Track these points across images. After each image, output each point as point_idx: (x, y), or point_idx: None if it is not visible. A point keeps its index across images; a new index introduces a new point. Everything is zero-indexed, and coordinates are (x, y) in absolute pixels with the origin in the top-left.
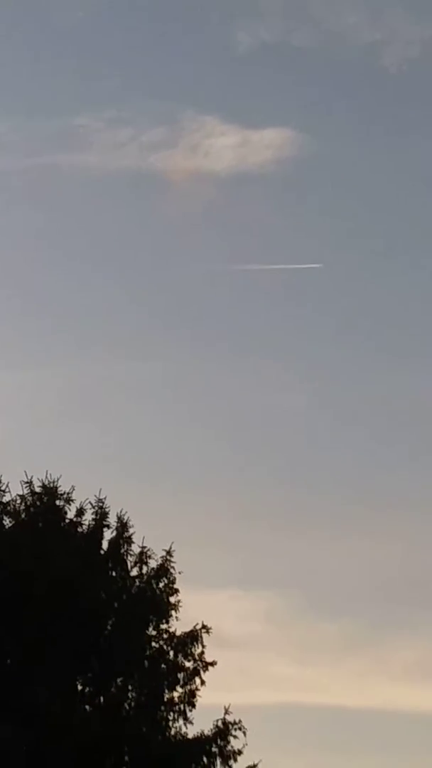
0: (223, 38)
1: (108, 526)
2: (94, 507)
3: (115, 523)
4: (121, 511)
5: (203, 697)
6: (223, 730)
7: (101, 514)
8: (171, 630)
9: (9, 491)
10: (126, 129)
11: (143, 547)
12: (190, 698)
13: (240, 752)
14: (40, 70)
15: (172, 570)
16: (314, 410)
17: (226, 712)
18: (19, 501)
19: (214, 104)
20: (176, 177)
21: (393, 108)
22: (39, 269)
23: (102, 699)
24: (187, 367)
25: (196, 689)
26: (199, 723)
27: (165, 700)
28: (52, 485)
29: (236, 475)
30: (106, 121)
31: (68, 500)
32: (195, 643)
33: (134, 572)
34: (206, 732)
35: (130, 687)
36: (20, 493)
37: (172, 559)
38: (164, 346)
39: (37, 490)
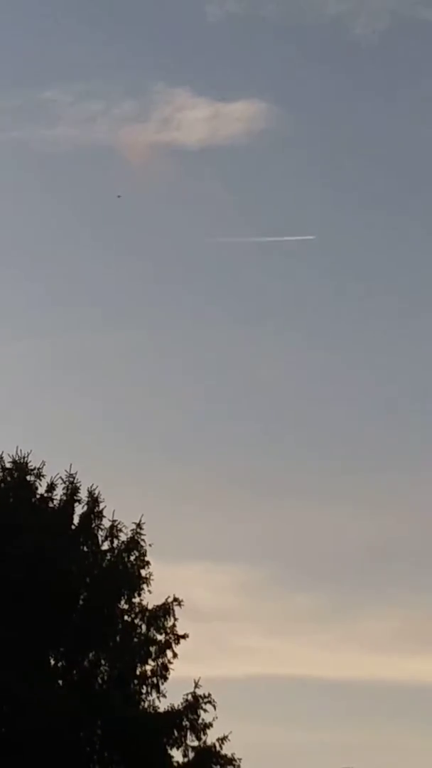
0: (193, 11)
1: (79, 501)
2: (64, 482)
3: (86, 498)
4: (91, 486)
5: (176, 670)
6: (193, 704)
7: (72, 489)
8: (143, 603)
9: None
10: (96, 102)
11: (114, 521)
12: (162, 671)
13: (210, 725)
14: (7, 41)
15: (142, 543)
16: (289, 383)
17: (196, 685)
18: None
19: (185, 77)
20: (148, 150)
21: (364, 78)
22: (6, 246)
23: (74, 673)
24: (159, 339)
25: (169, 662)
26: (172, 696)
27: (137, 673)
28: (22, 461)
29: (208, 448)
30: (75, 94)
31: (39, 475)
32: (167, 616)
33: (105, 546)
34: (177, 705)
35: (102, 661)
36: None
37: (143, 532)
38: (139, 316)
39: (8, 465)
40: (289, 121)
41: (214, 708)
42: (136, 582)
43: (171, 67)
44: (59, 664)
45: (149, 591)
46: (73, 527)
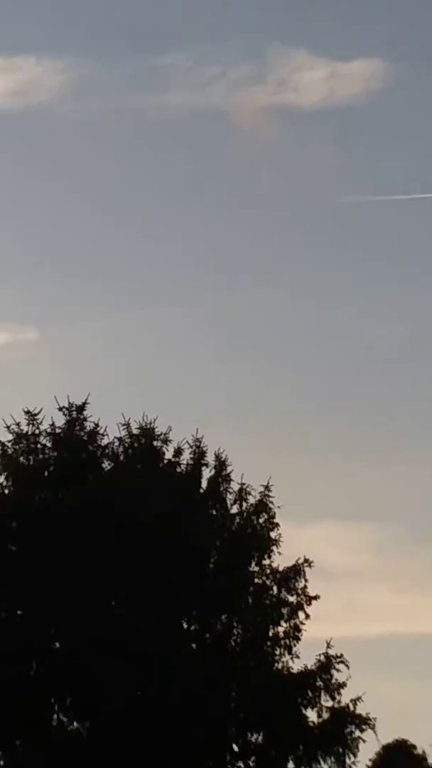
0: None
1: (206, 465)
2: (191, 447)
3: (213, 462)
4: (218, 450)
5: (308, 630)
6: (326, 664)
7: (199, 454)
8: (273, 565)
9: (107, 435)
10: (213, 66)
11: (242, 484)
12: (294, 633)
13: (344, 685)
14: (124, 8)
15: (271, 505)
16: (414, 344)
17: (328, 646)
18: (117, 444)
19: (301, 38)
20: (263, 113)
21: None
22: (125, 212)
23: (207, 637)
24: (281, 303)
25: (301, 623)
26: (305, 657)
27: (270, 635)
28: (149, 427)
29: (335, 407)
30: (192, 59)
31: (166, 441)
32: (297, 578)
33: (234, 509)
34: (310, 666)
35: (235, 624)
36: (118, 435)
37: (271, 495)
38: (260, 280)
39: (135, 432)
40: (408, 80)
41: (347, 668)
42: (265, 544)
43: (288, 28)
44: (192, 628)
45: (279, 553)
46: (201, 491)
